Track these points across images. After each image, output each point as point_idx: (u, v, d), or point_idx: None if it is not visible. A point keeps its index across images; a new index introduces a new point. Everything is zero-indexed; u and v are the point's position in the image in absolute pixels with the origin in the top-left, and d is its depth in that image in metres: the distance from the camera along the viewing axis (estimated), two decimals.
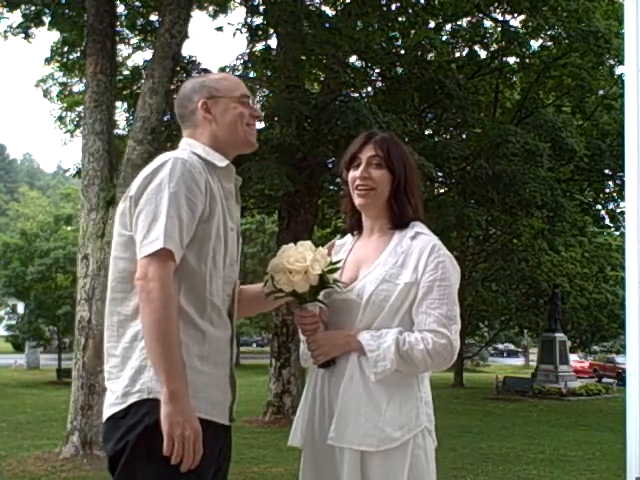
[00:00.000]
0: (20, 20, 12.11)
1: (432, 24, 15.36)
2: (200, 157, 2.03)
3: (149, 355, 1.85)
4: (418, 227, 2.20)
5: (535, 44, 16.20)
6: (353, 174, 2.22)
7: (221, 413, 1.99)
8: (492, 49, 15.97)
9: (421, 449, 2.09)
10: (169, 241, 1.86)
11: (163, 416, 1.80)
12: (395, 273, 2.11)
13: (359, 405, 2.06)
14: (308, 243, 2.17)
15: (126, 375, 1.91)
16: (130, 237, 1.94)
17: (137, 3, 13.57)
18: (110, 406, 1.94)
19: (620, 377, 25.24)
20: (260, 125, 14.19)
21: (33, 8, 11.80)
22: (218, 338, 1.99)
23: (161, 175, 1.93)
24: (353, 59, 14.57)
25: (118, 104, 13.14)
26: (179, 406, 1.80)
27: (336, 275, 2.14)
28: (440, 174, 15.10)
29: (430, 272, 2.09)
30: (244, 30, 13.09)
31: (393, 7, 14.17)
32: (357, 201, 2.22)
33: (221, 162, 2.07)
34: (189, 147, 2.08)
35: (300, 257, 2.09)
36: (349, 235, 2.37)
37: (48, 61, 14.60)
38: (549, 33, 15.32)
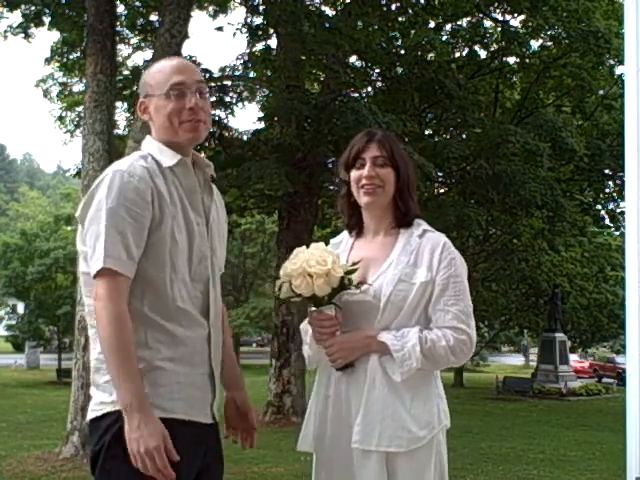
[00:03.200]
0: (20, 20, 12.14)
1: (432, 24, 15.36)
2: (154, 158, 2.01)
3: (107, 371, 1.88)
4: (423, 225, 2.21)
5: (535, 44, 16.22)
6: (358, 173, 2.20)
7: (201, 412, 1.99)
8: (492, 49, 15.96)
9: (443, 445, 2.13)
10: (109, 260, 1.85)
11: (125, 433, 1.83)
12: (410, 272, 2.11)
13: (384, 406, 2.05)
14: (322, 245, 2.14)
15: (102, 386, 1.94)
16: (87, 253, 1.96)
17: (137, 3, 13.58)
18: (90, 411, 1.98)
19: (620, 377, 25.24)
20: (260, 125, 14.22)
21: (33, 8, 11.81)
22: (191, 338, 1.97)
23: (100, 192, 1.92)
24: (353, 59, 14.58)
25: (118, 104, 13.15)
26: (134, 422, 1.81)
27: (354, 276, 2.12)
28: (440, 174, 15.10)
29: (444, 269, 2.11)
30: (244, 30, 13.09)
31: (393, 7, 14.18)
32: (364, 199, 2.20)
33: (170, 161, 2.00)
34: (147, 147, 2.06)
35: (321, 260, 2.06)
36: (344, 233, 2.36)
37: (48, 61, 14.62)
38: (549, 33, 15.32)
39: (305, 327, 2.26)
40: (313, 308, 2.14)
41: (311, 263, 2.05)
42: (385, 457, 2.05)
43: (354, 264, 2.13)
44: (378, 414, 2.05)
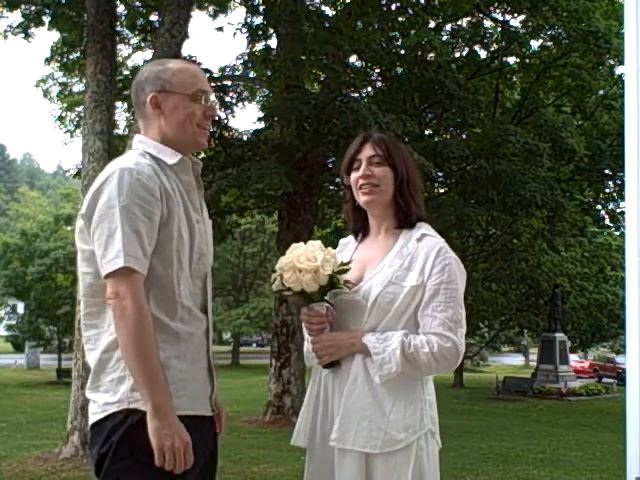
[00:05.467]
0: (20, 20, 12.13)
1: (432, 24, 15.36)
2: (152, 156, 2.01)
3: (130, 371, 1.87)
4: (424, 228, 2.21)
5: (535, 44, 16.23)
6: (355, 175, 2.23)
7: (204, 405, 2.02)
8: (492, 49, 15.95)
9: (424, 451, 2.09)
10: (129, 258, 1.85)
11: (151, 431, 1.81)
12: (401, 275, 2.11)
13: (363, 407, 2.06)
14: (318, 243, 2.16)
15: (105, 387, 1.93)
16: (92, 252, 1.94)
17: (137, 3, 13.58)
18: (93, 415, 1.96)
19: (620, 377, 25.24)
20: (260, 125, 14.22)
21: (33, 8, 11.81)
22: (192, 335, 1.99)
23: (109, 190, 1.90)
24: (353, 59, 14.58)
25: (118, 104, 13.14)
26: (166, 419, 1.81)
27: (346, 276, 2.13)
28: (440, 174, 15.09)
29: (436, 275, 2.10)
30: (244, 30, 13.09)
31: (393, 7, 14.17)
32: (362, 199, 2.22)
33: (172, 158, 2.02)
34: (142, 146, 2.05)
35: (311, 256, 2.09)
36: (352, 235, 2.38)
37: (48, 61, 14.62)
38: (549, 33, 15.31)
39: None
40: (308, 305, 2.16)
41: (301, 259, 2.08)
42: (364, 457, 2.05)
43: (345, 264, 2.14)
44: (356, 414, 2.06)
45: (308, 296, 2.12)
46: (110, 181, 1.91)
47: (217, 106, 2.14)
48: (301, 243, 2.17)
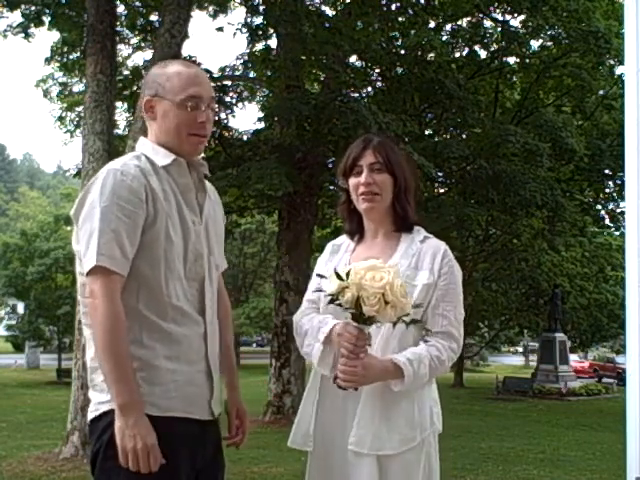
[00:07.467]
0: (20, 20, 12.12)
1: (432, 24, 15.37)
2: (147, 157, 2.02)
3: (101, 369, 1.88)
4: (423, 231, 2.26)
5: (535, 44, 16.25)
6: (356, 180, 2.23)
7: (201, 409, 2.01)
8: (492, 49, 15.97)
9: (432, 447, 2.16)
10: (101, 258, 1.86)
11: (116, 430, 1.82)
12: (411, 275, 2.14)
13: (380, 411, 2.09)
14: (399, 271, 2.03)
15: (99, 386, 1.94)
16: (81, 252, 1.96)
17: (137, 3, 13.57)
18: (90, 413, 1.99)
19: (620, 377, 25.25)
20: (260, 125, 14.22)
21: (33, 8, 11.80)
22: (187, 336, 1.98)
23: (93, 191, 1.93)
24: (353, 59, 14.58)
25: (118, 104, 13.15)
26: (130, 420, 1.81)
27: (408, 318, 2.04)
28: (440, 174, 15.09)
29: (445, 275, 2.16)
30: (244, 30, 13.08)
31: (393, 7, 14.18)
32: (362, 206, 2.23)
33: (164, 160, 2.01)
34: (141, 147, 2.07)
35: (403, 292, 1.96)
36: (345, 236, 2.37)
37: (48, 61, 14.62)
38: (549, 33, 15.32)
39: (313, 323, 2.19)
40: (354, 323, 2.01)
41: (394, 290, 1.93)
42: (377, 458, 2.07)
43: (416, 321, 2.09)
44: (374, 418, 2.08)
45: (361, 317, 1.97)
46: (95, 183, 1.94)
47: (211, 111, 2.05)
48: (382, 263, 1.99)
